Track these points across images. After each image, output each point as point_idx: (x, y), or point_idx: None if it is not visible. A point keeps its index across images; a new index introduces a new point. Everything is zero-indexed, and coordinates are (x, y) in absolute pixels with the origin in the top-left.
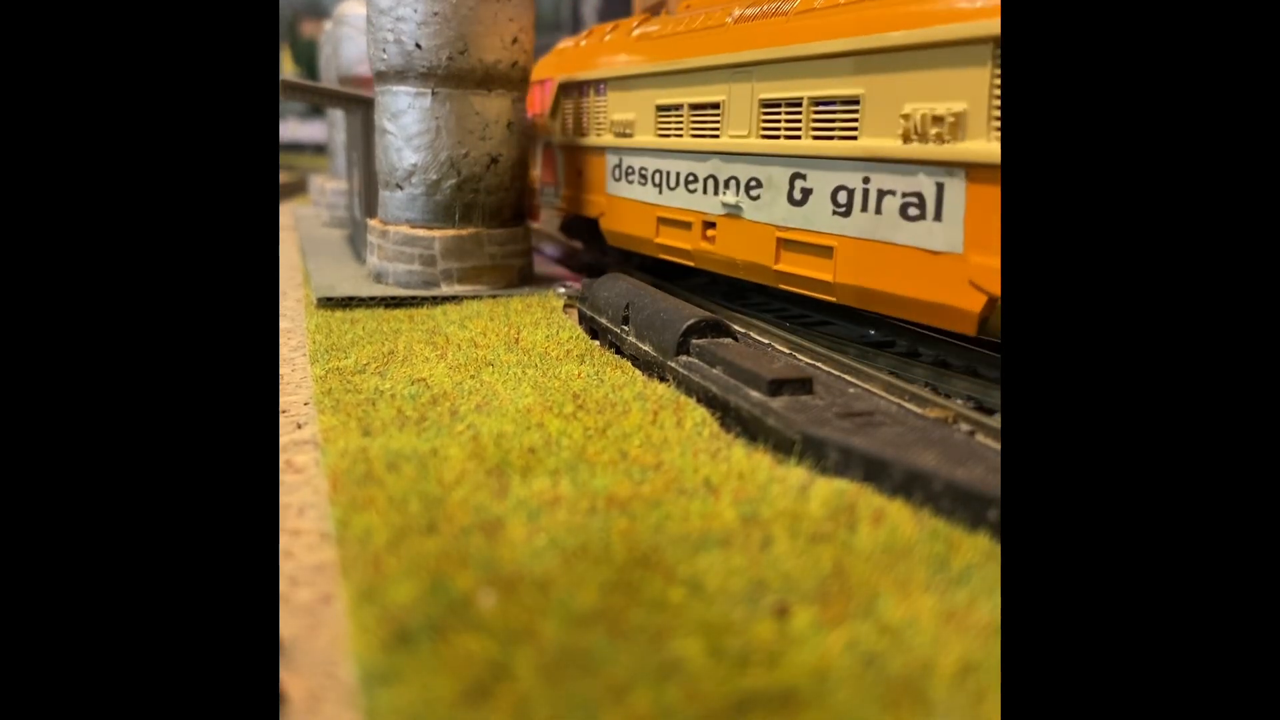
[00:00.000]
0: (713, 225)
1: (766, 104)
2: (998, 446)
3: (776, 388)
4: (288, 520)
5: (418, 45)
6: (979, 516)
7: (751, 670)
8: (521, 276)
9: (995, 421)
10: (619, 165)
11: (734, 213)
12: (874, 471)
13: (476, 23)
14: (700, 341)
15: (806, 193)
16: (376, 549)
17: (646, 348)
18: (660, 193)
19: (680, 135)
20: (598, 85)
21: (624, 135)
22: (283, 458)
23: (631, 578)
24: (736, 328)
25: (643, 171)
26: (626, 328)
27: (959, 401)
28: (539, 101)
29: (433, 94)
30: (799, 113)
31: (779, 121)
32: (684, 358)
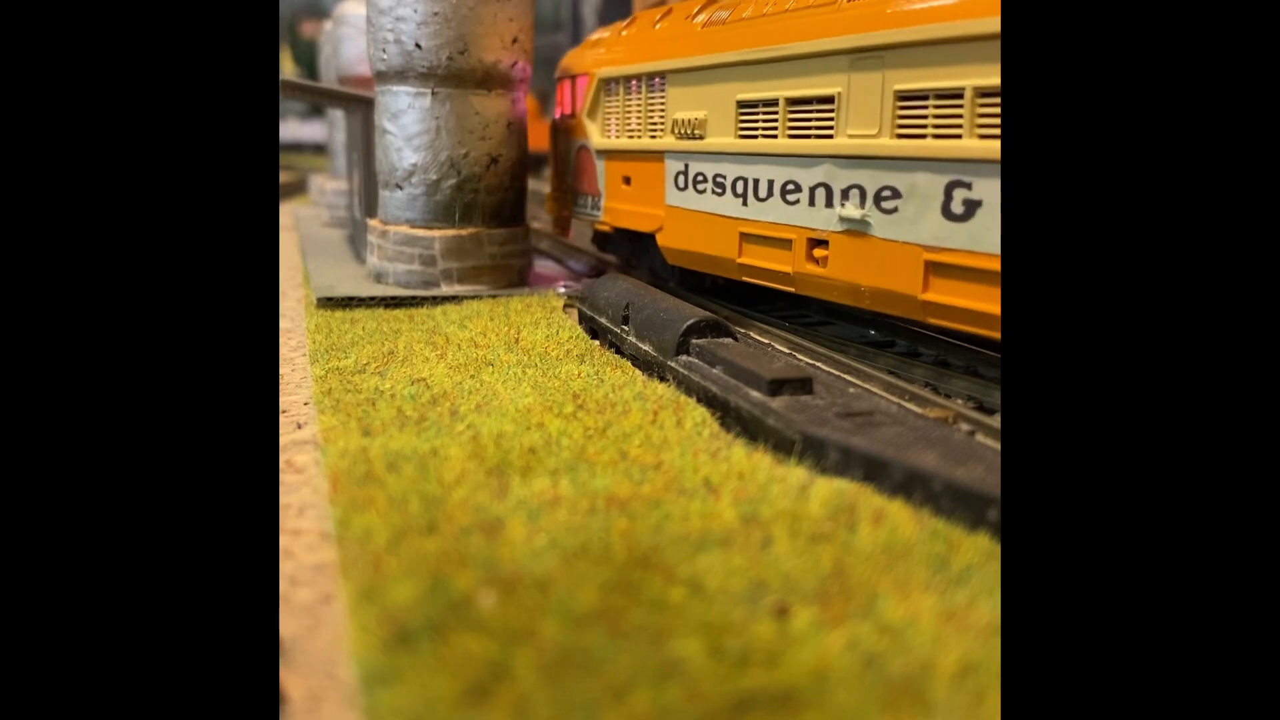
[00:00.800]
0: (823, 244)
1: (906, 96)
2: (998, 446)
3: (776, 388)
4: (288, 520)
5: (418, 45)
6: (979, 516)
7: (751, 670)
8: (521, 276)
9: (995, 421)
10: (684, 172)
11: (857, 229)
12: (874, 471)
13: (476, 23)
14: (700, 341)
15: (972, 205)
16: (376, 549)
17: (646, 348)
18: (745, 204)
19: (774, 135)
20: (652, 79)
21: (691, 137)
22: (283, 458)
23: (631, 578)
24: (736, 328)
25: (719, 179)
26: (626, 328)
27: (959, 401)
28: (569, 100)
29: (433, 94)
30: (958, 107)
31: (925, 118)
32: (684, 357)
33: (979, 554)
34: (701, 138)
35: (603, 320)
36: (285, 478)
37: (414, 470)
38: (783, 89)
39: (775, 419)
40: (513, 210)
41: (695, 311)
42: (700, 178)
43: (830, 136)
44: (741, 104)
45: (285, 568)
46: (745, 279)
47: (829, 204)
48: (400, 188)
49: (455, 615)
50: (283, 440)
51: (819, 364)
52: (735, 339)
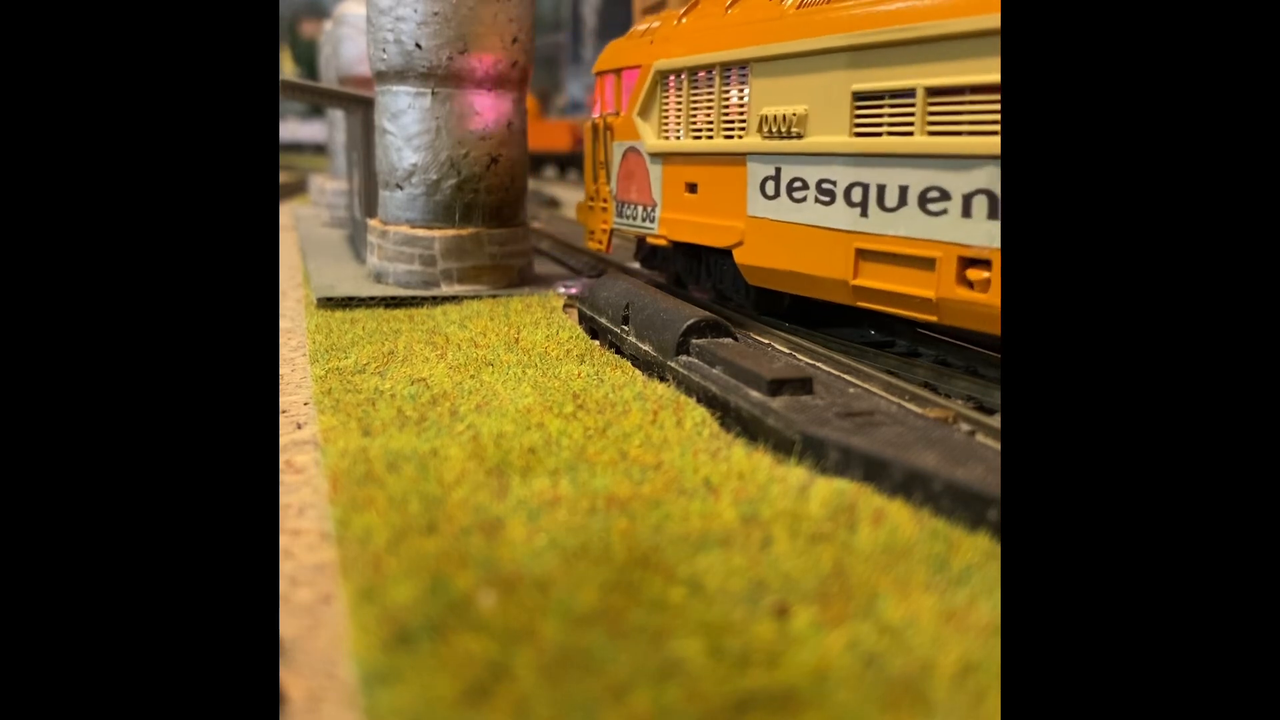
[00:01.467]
0: (982, 264)
1: None
2: (998, 446)
3: (776, 388)
4: (288, 520)
5: (418, 45)
6: (979, 516)
7: (751, 670)
8: (521, 276)
9: (995, 421)
10: (774, 177)
11: None
12: (874, 471)
13: (476, 23)
14: (700, 341)
15: None
16: (376, 549)
17: (646, 348)
18: (864, 214)
19: (909, 132)
20: (728, 70)
21: (785, 135)
22: (283, 458)
23: (631, 578)
24: (736, 328)
25: (825, 185)
26: (626, 328)
27: (959, 401)
28: (611, 97)
29: (433, 94)
30: None
31: None
32: (684, 358)
33: (979, 554)
34: (800, 136)
35: (603, 320)
36: (285, 478)
37: (414, 470)
38: (921, 76)
39: (775, 419)
40: (513, 210)
41: (695, 311)
42: (798, 184)
43: (995, 133)
44: (859, 96)
45: (285, 568)
46: (862, 304)
47: (992, 215)
48: (400, 188)
49: (455, 615)
50: (283, 440)
51: (819, 364)
52: (735, 339)
